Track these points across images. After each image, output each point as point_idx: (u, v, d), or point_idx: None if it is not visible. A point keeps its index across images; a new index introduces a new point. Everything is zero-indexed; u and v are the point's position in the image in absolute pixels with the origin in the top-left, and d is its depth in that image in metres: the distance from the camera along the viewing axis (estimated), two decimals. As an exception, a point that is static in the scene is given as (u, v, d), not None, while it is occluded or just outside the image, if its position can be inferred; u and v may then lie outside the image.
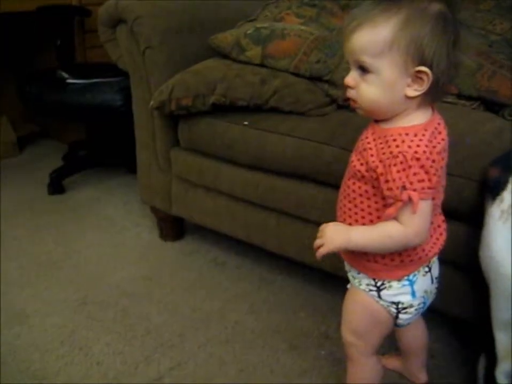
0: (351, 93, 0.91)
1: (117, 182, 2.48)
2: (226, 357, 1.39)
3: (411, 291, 0.99)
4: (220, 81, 1.52)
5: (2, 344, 1.45)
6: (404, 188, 0.85)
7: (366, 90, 0.88)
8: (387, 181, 0.88)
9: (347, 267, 1.08)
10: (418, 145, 0.85)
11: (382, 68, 0.85)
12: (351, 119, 1.37)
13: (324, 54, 1.49)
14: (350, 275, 1.08)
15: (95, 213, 2.19)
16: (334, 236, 0.95)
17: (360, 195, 0.96)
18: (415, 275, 0.99)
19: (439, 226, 1.00)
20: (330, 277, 1.50)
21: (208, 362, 1.38)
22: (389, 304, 1.00)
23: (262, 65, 1.57)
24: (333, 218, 1.04)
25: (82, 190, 2.40)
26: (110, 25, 1.78)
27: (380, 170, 0.89)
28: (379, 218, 0.94)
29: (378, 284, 1.00)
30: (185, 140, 1.68)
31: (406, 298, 0.99)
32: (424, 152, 0.85)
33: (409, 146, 0.85)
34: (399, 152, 0.85)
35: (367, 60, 0.86)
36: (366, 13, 0.86)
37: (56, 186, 2.37)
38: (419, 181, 0.85)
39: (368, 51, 0.86)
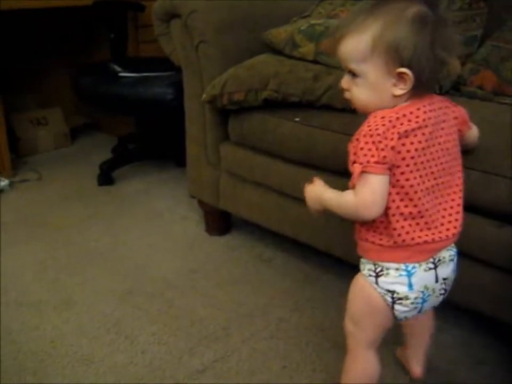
0: (346, 95, 1.02)
1: (165, 175, 2.50)
2: (269, 353, 1.39)
3: (408, 282, 0.99)
4: (272, 76, 1.51)
5: (52, 328, 1.49)
6: (354, 162, 0.94)
7: (356, 93, 0.98)
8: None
9: None
10: (376, 125, 0.93)
11: (367, 72, 0.94)
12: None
13: (379, 52, 1.47)
14: (360, 262, 1.08)
15: (142, 205, 2.22)
16: (308, 196, 1.08)
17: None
18: (414, 267, 0.98)
19: (443, 217, 0.99)
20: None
21: (251, 357, 1.38)
22: (385, 292, 1.00)
23: (315, 61, 1.56)
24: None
25: (130, 182, 2.44)
26: (164, 19, 1.80)
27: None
28: None
29: (378, 269, 1.01)
30: (236, 135, 1.68)
31: (401, 289, 0.99)
32: (377, 129, 0.92)
33: (369, 125, 0.94)
34: (359, 132, 0.95)
35: (353, 66, 0.96)
36: (350, 23, 0.96)
37: (106, 177, 2.41)
38: (364, 155, 0.92)
39: (353, 58, 0.95)
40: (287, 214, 1.62)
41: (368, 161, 0.91)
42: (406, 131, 0.92)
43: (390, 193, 0.95)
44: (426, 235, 0.97)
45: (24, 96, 2.90)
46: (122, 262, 1.81)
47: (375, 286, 1.01)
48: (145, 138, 2.62)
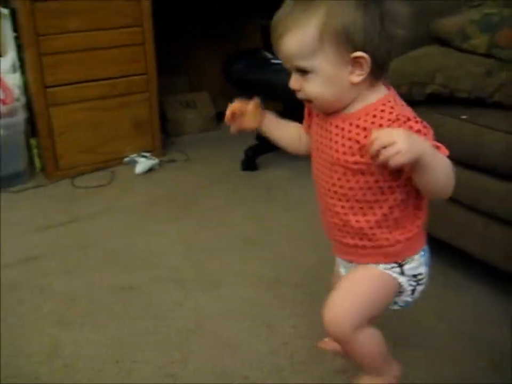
0: (300, 95, 0.93)
1: (309, 164, 2.47)
2: (416, 363, 1.33)
3: (425, 261, 1.03)
4: (439, 70, 1.43)
5: (197, 308, 1.53)
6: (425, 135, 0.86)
7: (310, 90, 0.90)
8: None
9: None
10: (403, 111, 0.89)
11: (319, 66, 0.87)
12: None
13: None
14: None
15: (286, 193, 2.21)
16: (413, 145, 0.79)
17: (361, 188, 0.94)
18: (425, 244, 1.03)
19: None
20: None
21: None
22: (410, 278, 1.02)
23: (487, 55, 1.46)
24: None
25: (274, 169, 2.44)
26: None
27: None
28: (390, 208, 0.95)
29: (400, 260, 1.01)
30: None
31: (423, 269, 1.03)
32: (415, 116, 0.88)
33: (396, 115, 0.87)
34: (397, 115, 0.87)
35: (302, 63, 0.88)
36: (288, 15, 0.87)
37: (250, 163, 2.43)
38: (427, 133, 0.87)
39: (300, 54, 0.87)
40: (441, 215, 1.52)
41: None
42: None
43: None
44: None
45: (176, 79, 3.00)
46: (267, 249, 1.81)
47: (398, 276, 1.01)
48: (291, 126, 2.61)
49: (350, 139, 0.91)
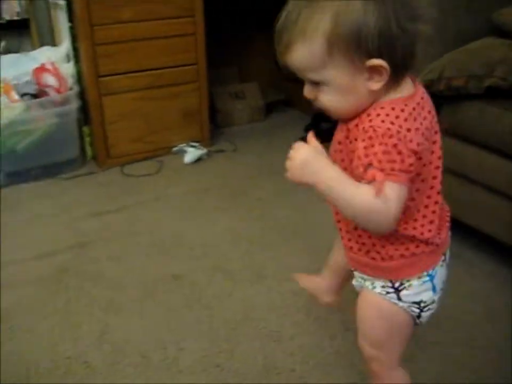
0: (315, 104, 0.86)
1: (358, 158, 2.44)
2: (463, 360, 1.30)
3: (432, 286, 0.92)
4: (499, 62, 1.39)
5: (244, 298, 1.53)
6: (370, 165, 0.76)
7: (325, 101, 0.83)
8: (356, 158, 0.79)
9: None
10: (392, 122, 0.77)
11: (331, 78, 0.80)
12: None
13: None
14: (358, 276, 0.98)
15: (333, 186, 2.19)
16: (304, 171, 0.85)
17: None
18: (434, 268, 0.91)
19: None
20: None
21: (443, 362, 1.30)
22: (410, 305, 0.92)
23: (550, 47, 1.40)
24: None
25: (322, 162, 2.41)
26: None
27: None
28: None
29: (396, 284, 0.91)
30: (446, 122, 1.57)
31: (428, 296, 0.92)
32: (400, 128, 0.76)
33: (383, 121, 0.77)
34: (370, 127, 0.78)
35: (312, 76, 0.81)
36: (293, 25, 0.79)
37: (298, 154, 2.41)
38: (389, 161, 0.75)
39: (310, 68, 0.80)
40: (498, 213, 1.48)
41: (392, 169, 0.75)
42: (424, 132, 0.80)
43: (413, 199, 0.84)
44: (443, 232, 0.91)
45: (226, 69, 3.01)
46: (313, 241, 1.79)
47: (397, 301, 0.92)
48: (340, 118, 2.58)
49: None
